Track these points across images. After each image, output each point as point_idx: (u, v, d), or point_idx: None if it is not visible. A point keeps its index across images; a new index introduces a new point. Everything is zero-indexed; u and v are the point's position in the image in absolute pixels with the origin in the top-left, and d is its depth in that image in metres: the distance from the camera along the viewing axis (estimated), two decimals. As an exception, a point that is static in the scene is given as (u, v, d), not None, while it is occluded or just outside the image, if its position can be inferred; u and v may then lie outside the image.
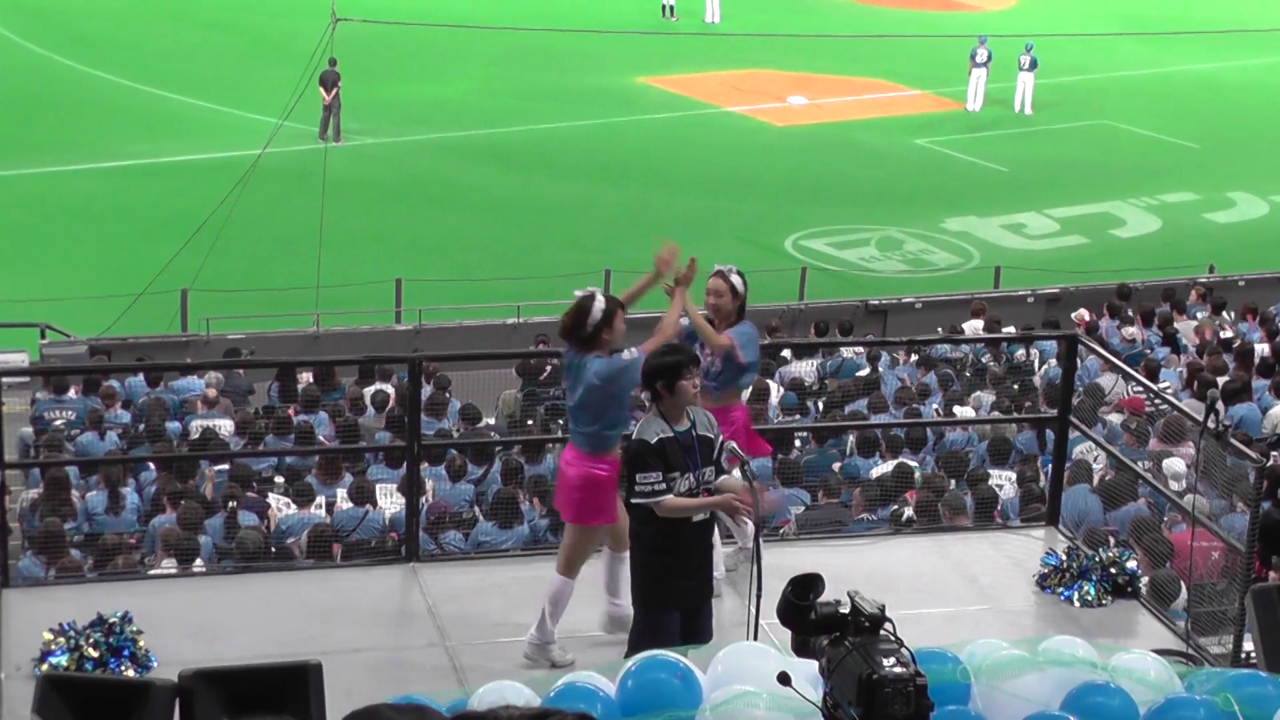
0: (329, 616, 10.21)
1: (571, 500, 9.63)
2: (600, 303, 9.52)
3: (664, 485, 8.60)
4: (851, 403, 16.66)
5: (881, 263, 26.83)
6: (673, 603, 8.75)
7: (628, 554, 9.20)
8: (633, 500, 8.73)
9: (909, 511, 12.88)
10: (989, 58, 34.63)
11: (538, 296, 23.06)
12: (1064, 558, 10.88)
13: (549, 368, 18.51)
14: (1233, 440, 10.65)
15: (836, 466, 14.61)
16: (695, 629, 8.69)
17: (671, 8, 40.80)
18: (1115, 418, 15.33)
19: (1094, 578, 10.71)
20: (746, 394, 13.17)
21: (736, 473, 8.81)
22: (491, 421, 16.61)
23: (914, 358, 18.43)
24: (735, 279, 10.60)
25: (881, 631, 5.40)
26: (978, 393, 17.00)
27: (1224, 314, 20.67)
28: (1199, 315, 20.69)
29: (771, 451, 12.11)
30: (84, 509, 13.56)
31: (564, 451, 9.85)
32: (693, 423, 8.78)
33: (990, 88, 34.96)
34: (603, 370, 9.41)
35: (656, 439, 8.64)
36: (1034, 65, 34.74)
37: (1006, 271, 25.02)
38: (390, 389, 16.76)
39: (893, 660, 5.26)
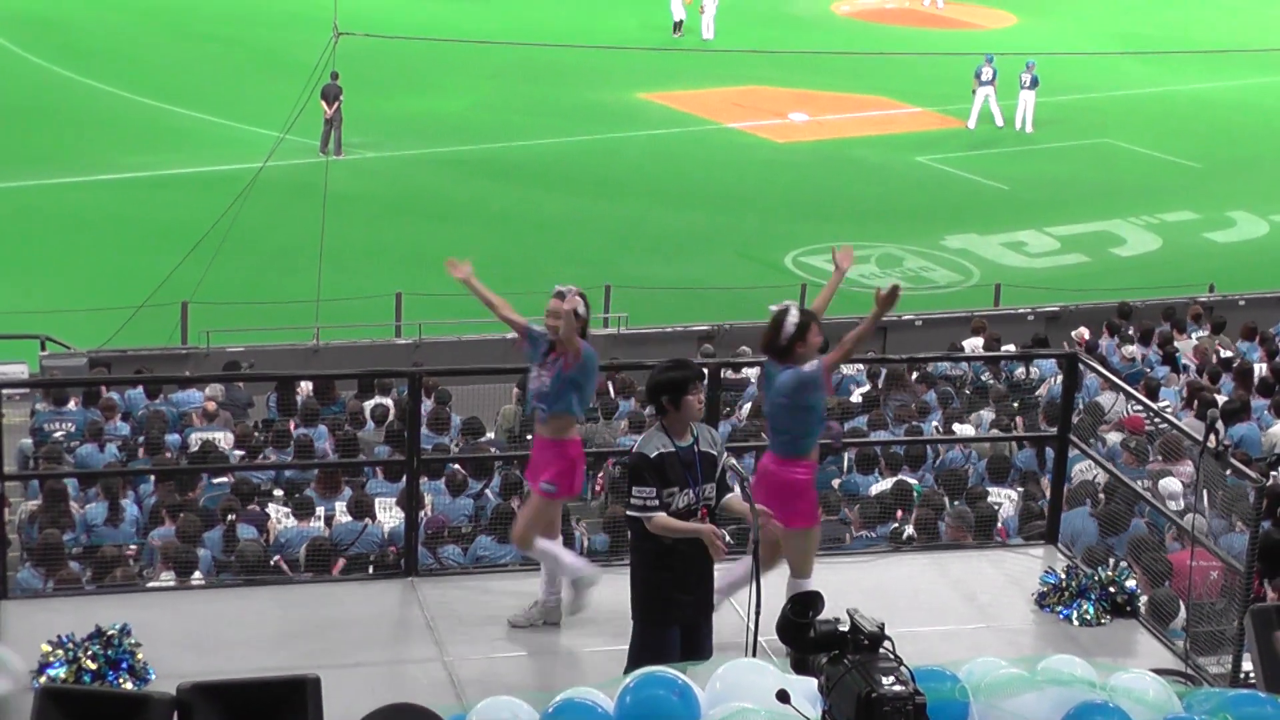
0: (327, 630, 10.20)
1: (784, 505, 9.79)
2: (794, 317, 9.83)
3: (656, 501, 8.62)
4: (850, 420, 16.66)
5: (881, 280, 26.81)
6: (672, 618, 8.74)
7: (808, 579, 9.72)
8: (627, 513, 8.77)
9: (909, 530, 12.88)
10: (994, 76, 34.68)
11: (538, 312, 22.94)
12: (1063, 576, 10.88)
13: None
14: (1232, 460, 10.66)
15: (835, 484, 14.60)
16: (695, 645, 8.69)
17: (681, 23, 40.84)
18: (1115, 436, 15.33)
19: (1093, 596, 10.71)
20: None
21: (738, 490, 8.80)
22: (491, 436, 16.61)
23: (913, 375, 18.40)
24: (575, 300, 10.14)
25: (881, 649, 5.40)
26: (978, 411, 17.00)
27: (1224, 333, 20.67)
28: (1198, 335, 20.69)
29: (578, 493, 11.09)
30: (83, 521, 13.55)
31: (763, 456, 10.12)
32: (695, 438, 8.78)
33: (990, 106, 35.04)
34: (785, 383, 9.74)
35: (656, 454, 8.66)
36: (1035, 83, 34.79)
37: (1006, 289, 25.03)
38: (390, 403, 16.76)
39: (892, 678, 5.26)
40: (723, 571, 9.58)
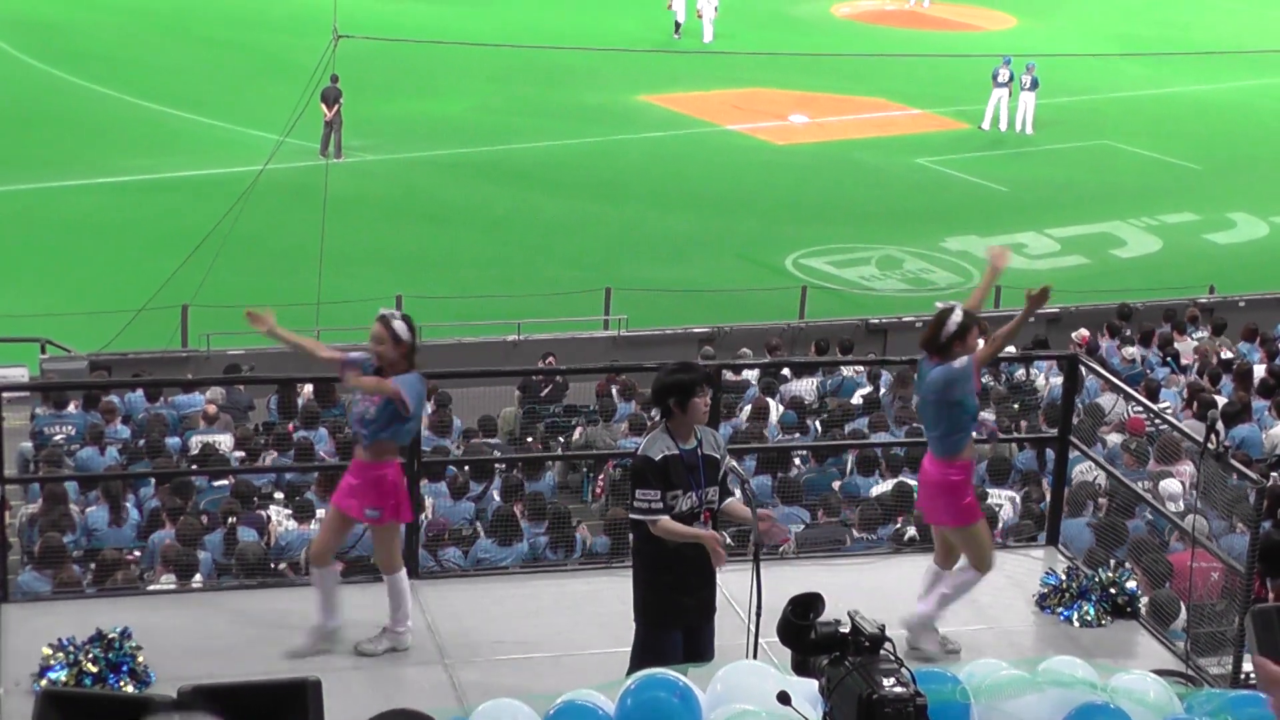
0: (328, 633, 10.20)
1: (936, 505, 10.09)
2: (957, 316, 9.83)
3: (660, 504, 8.60)
4: (851, 421, 16.68)
5: (882, 281, 26.85)
6: (674, 621, 8.74)
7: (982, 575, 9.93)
8: (630, 516, 8.77)
9: (911, 531, 12.88)
10: (1011, 78, 34.70)
11: (538, 314, 23.10)
12: (1063, 578, 10.88)
13: (550, 385, 18.53)
14: (1233, 461, 10.66)
15: (836, 485, 14.61)
16: (697, 647, 8.68)
17: (679, 25, 40.86)
18: (1115, 438, 15.34)
19: (1093, 598, 10.71)
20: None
21: (739, 494, 8.79)
22: (484, 441, 16.62)
23: (885, 376, 18.38)
24: (398, 324, 9.65)
25: (881, 651, 5.40)
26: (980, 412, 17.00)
27: (1224, 334, 20.68)
28: (1198, 336, 20.70)
29: (411, 519, 10.68)
30: (84, 524, 13.55)
31: (924, 458, 10.23)
32: (699, 441, 8.77)
33: (1000, 110, 35.09)
34: (935, 380, 9.84)
35: (660, 456, 8.65)
36: (1035, 85, 34.82)
37: (1007, 291, 25.00)
38: (390, 405, 16.73)
39: (893, 680, 5.26)
40: (952, 577, 9.93)
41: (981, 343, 9.93)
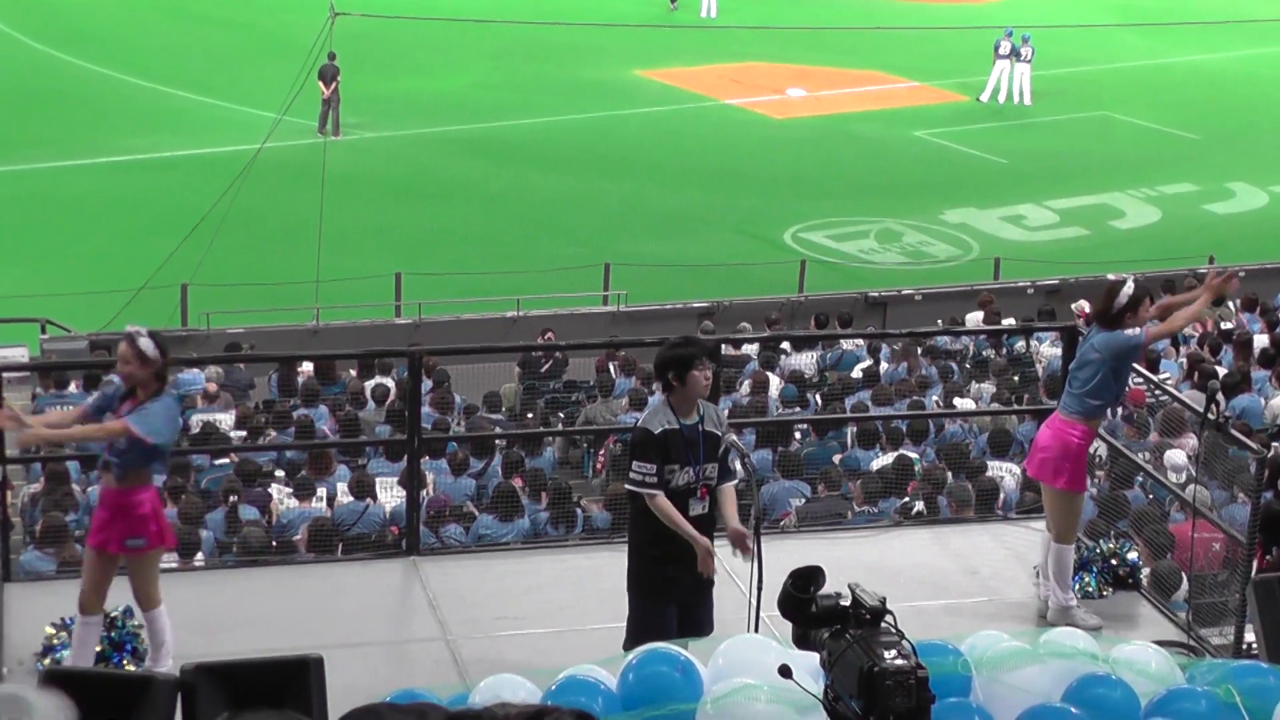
0: (330, 610, 10.21)
1: (1048, 462, 10.05)
2: (1129, 288, 9.81)
3: (656, 478, 8.60)
4: (851, 395, 16.67)
5: (881, 255, 26.83)
6: (667, 595, 8.72)
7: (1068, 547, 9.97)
8: (626, 487, 8.78)
9: (919, 505, 12.86)
10: (1012, 50, 34.63)
11: (537, 290, 23.08)
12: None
13: (550, 361, 18.53)
14: (1233, 431, 10.65)
15: (837, 459, 14.60)
16: (694, 623, 8.65)
17: (676, -1, 40.79)
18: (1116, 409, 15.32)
19: (1095, 569, 10.70)
20: None
21: (739, 468, 8.75)
22: (488, 415, 16.62)
23: (885, 350, 18.37)
24: (144, 342, 9.03)
25: (882, 624, 5.39)
26: (979, 384, 17.00)
27: (1224, 304, 20.65)
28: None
29: (175, 545, 10.44)
30: (86, 503, 13.54)
31: (1049, 419, 10.22)
32: (701, 417, 8.74)
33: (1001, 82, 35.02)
34: (1101, 341, 9.83)
35: (660, 430, 8.64)
36: (1030, 56, 34.76)
37: (1006, 263, 25.03)
38: (390, 383, 16.76)
39: (894, 653, 5.25)
40: (1051, 561, 9.99)
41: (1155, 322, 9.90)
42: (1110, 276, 10.45)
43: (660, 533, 8.67)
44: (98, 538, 9.20)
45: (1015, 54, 34.76)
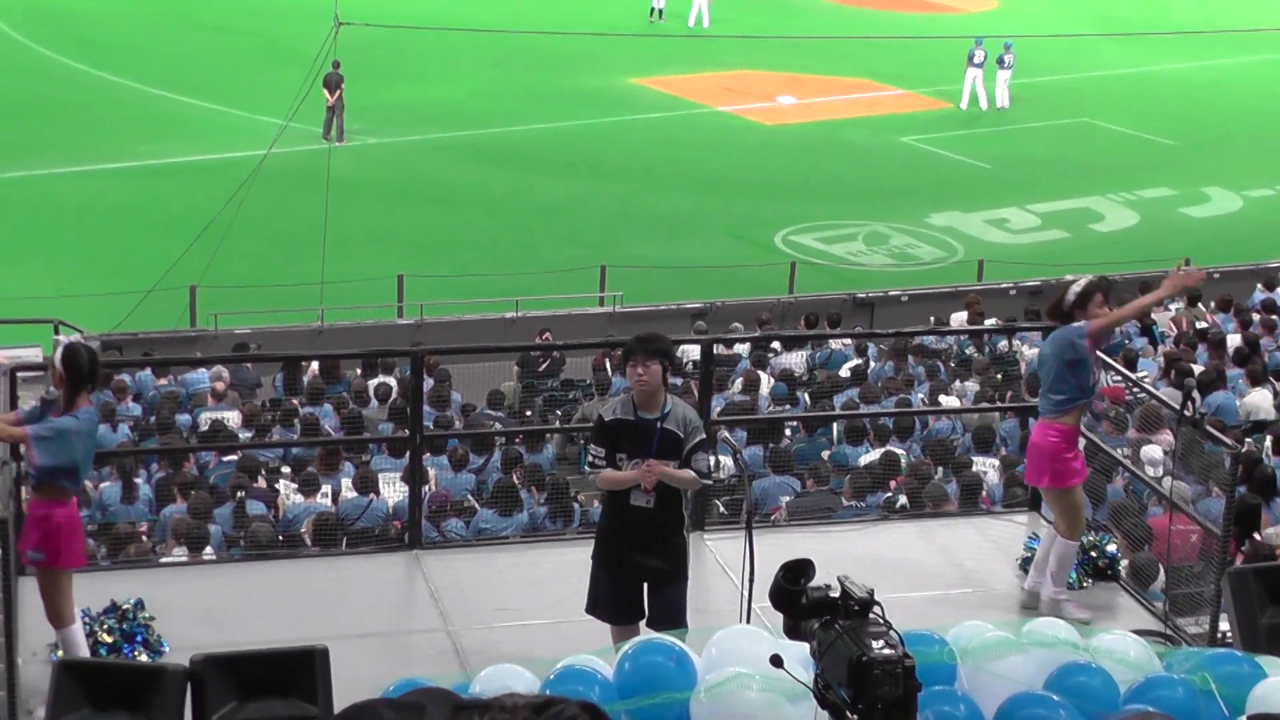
0: (335, 602, 10.21)
1: (1032, 464, 10.13)
2: (1078, 285, 9.86)
3: (603, 461, 8.68)
4: (840, 393, 16.67)
5: (868, 257, 26.84)
6: (612, 565, 8.82)
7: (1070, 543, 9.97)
8: (583, 467, 8.91)
9: (903, 499, 12.87)
10: (985, 59, 34.66)
11: (535, 291, 23.09)
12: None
13: (548, 360, 18.53)
14: (1209, 427, 10.66)
15: (826, 455, 14.61)
16: (659, 606, 8.71)
17: (660, 10, 40.75)
18: (1095, 406, 15.34)
19: (1076, 561, 10.71)
20: None
21: (730, 460, 8.78)
22: (491, 412, 16.62)
23: (872, 349, 18.39)
24: (57, 354, 8.78)
25: (871, 615, 5.39)
26: (963, 382, 17.01)
27: (1199, 305, 20.68)
28: (1174, 306, 20.69)
29: (80, 565, 9.45)
30: (98, 500, 13.55)
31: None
32: (665, 415, 8.66)
33: (977, 89, 35.03)
34: (1050, 338, 9.95)
35: (611, 418, 8.74)
36: (1011, 64, 34.79)
37: (990, 265, 25.04)
38: (393, 381, 16.76)
39: (882, 642, 5.25)
40: (1053, 553, 10.00)
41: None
42: (1068, 277, 10.40)
43: (614, 510, 8.77)
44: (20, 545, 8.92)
45: (1000, 61, 34.74)
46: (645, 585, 8.80)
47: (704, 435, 8.75)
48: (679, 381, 14.85)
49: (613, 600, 8.83)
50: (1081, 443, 10.22)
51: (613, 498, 8.80)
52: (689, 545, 8.98)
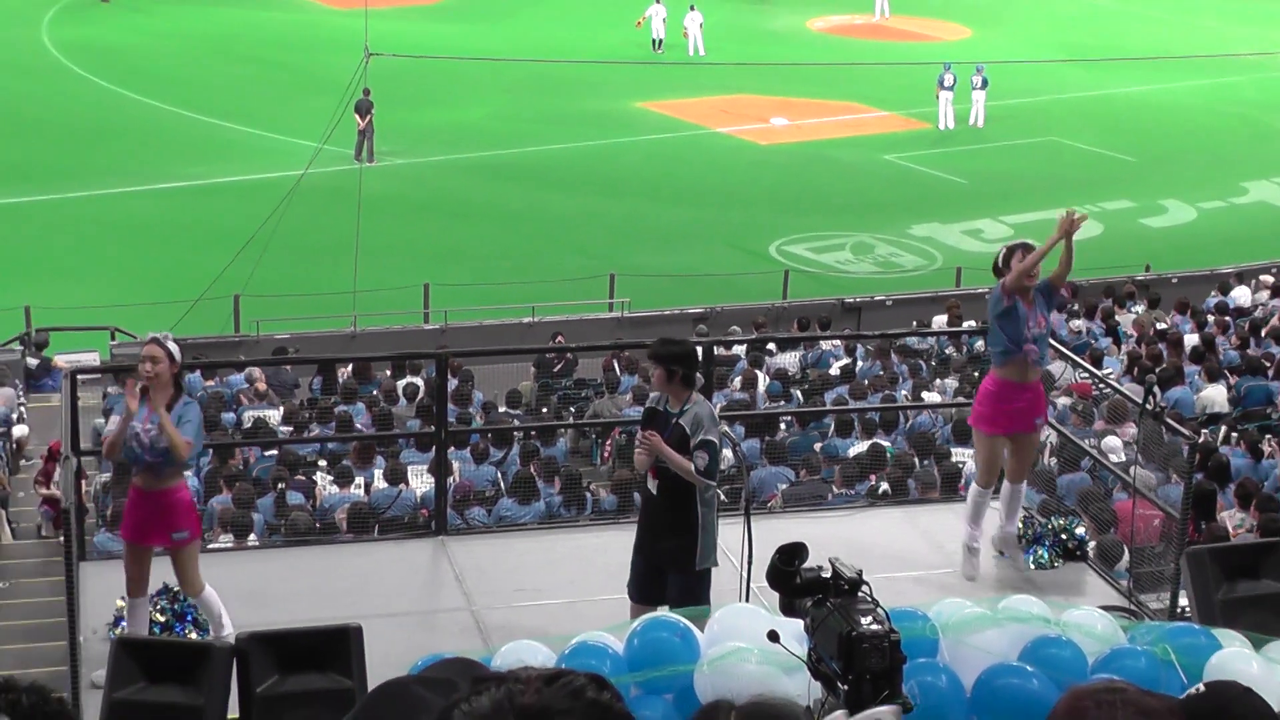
0: (367, 584, 10.20)
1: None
2: (1002, 249, 10.00)
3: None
4: (830, 390, 16.65)
5: (856, 265, 26.80)
6: (639, 552, 8.85)
7: (1022, 485, 9.99)
8: None
9: (885, 486, 12.86)
10: (954, 82, 34.62)
11: (550, 298, 23.07)
12: (1020, 525, 10.85)
13: (562, 361, 18.51)
14: (1168, 420, 10.64)
15: (818, 447, 14.58)
16: (674, 589, 8.64)
17: (660, 41, 40.72)
18: (1064, 401, 15.32)
19: (1047, 543, 10.69)
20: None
21: (729, 453, 8.75)
22: (510, 410, 16.60)
23: (860, 350, 18.35)
24: (172, 346, 8.84)
25: (859, 593, 5.38)
26: (943, 379, 16.98)
27: (1159, 308, 20.65)
28: (1136, 309, 20.67)
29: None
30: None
31: None
32: (683, 411, 8.66)
33: (956, 109, 34.97)
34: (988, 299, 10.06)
35: (649, 406, 8.79)
36: (985, 85, 34.74)
37: (967, 272, 24.98)
38: (420, 381, 16.75)
39: (870, 619, 5.24)
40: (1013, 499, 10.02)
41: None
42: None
43: (641, 497, 8.90)
44: (137, 533, 8.95)
45: (957, 85, 34.60)
46: (663, 570, 8.74)
47: (711, 439, 8.53)
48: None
49: (636, 580, 8.85)
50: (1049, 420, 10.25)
51: (639, 484, 8.90)
52: (710, 534, 8.67)
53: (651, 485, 8.67)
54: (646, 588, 8.73)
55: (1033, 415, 10.02)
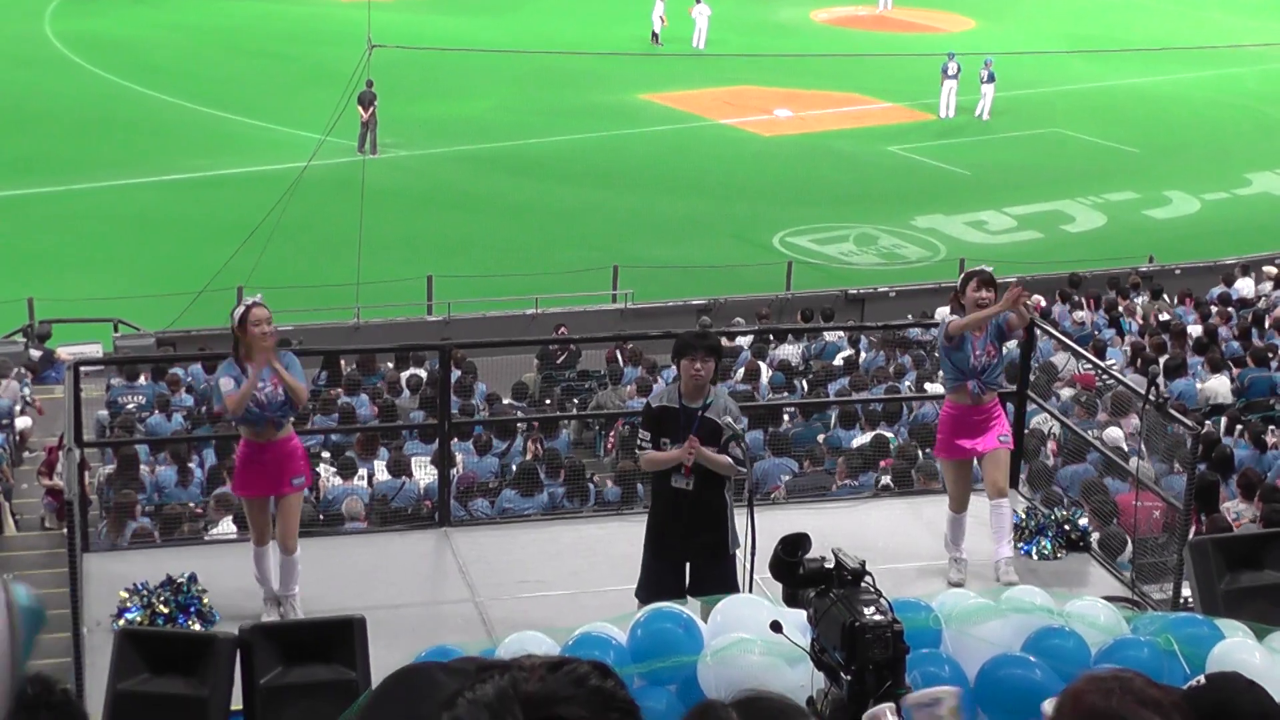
0: (371, 576, 10.21)
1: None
2: (961, 277, 10.21)
3: (649, 445, 8.61)
4: (834, 381, 16.64)
5: (859, 256, 26.78)
6: (664, 552, 8.68)
7: (1004, 501, 10.01)
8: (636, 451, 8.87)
9: (887, 479, 12.85)
10: (958, 71, 34.59)
11: (553, 290, 23.06)
12: (1023, 516, 10.86)
13: (565, 353, 18.51)
14: (1172, 411, 10.63)
15: (821, 438, 14.58)
16: (699, 580, 8.58)
17: (658, 35, 40.64)
18: (1067, 392, 15.31)
19: (1050, 534, 10.70)
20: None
21: (737, 448, 8.67)
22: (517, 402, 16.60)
23: (864, 341, 18.35)
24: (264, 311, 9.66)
25: (862, 584, 5.38)
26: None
27: (1162, 299, 20.63)
28: (1140, 300, 20.65)
29: None
30: (154, 483, 13.56)
31: None
32: (708, 404, 8.62)
33: (959, 99, 34.94)
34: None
35: (657, 405, 8.71)
36: (992, 78, 34.71)
37: (970, 263, 24.92)
38: (423, 373, 16.75)
39: (873, 609, 5.24)
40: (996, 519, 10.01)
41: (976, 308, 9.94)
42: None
43: (659, 495, 8.67)
44: (258, 487, 9.32)
45: (960, 74, 34.56)
46: (689, 565, 8.64)
47: (738, 426, 8.61)
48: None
49: (650, 584, 8.58)
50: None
51: (657, 481, 8.72)
52: (735, 524, 8.68)
53: (683, 482, 8.56)
54: (667, 591, 8.39)
55: (994, 434, 10.09)
